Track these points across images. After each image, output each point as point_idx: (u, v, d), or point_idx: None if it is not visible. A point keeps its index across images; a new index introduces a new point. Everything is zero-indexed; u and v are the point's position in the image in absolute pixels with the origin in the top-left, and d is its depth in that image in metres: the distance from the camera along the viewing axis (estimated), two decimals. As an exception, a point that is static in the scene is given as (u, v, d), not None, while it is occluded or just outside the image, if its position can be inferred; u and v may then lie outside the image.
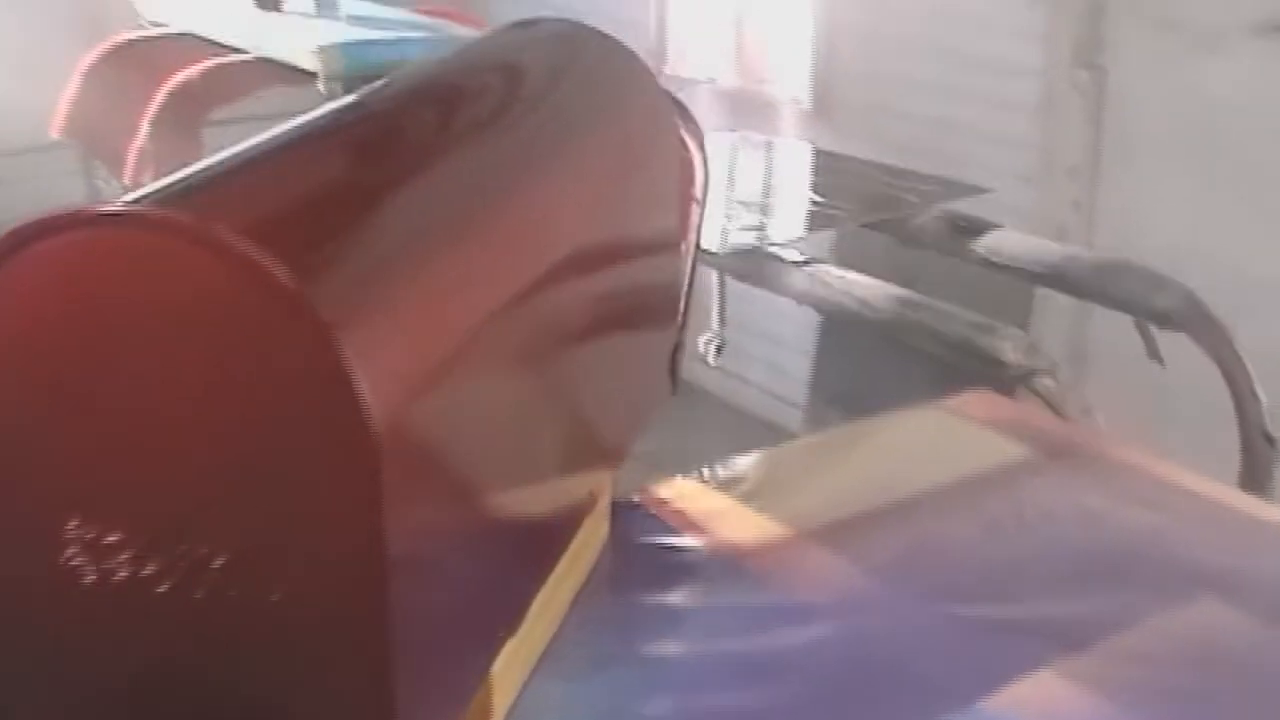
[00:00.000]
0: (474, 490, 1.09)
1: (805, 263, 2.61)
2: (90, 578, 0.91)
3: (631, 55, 1.57)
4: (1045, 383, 2.32)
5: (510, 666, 1.28)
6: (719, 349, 3.46)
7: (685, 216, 1.72)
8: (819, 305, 2.67)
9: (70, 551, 0.91)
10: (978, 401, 1.91)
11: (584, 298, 1.35)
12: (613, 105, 1.52)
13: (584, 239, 1.37)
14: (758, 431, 4.53)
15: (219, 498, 0.90)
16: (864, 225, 3.03)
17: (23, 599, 0.94)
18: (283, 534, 0.90)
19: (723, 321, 3.49)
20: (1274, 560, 1.55)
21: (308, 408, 0.87)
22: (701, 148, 1.77)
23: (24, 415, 0.91)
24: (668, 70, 4.91)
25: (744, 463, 1.76)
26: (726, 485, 1.69)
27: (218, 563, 0.91)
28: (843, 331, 3.86)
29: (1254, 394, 2.50)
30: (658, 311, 1.58)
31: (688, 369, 1.65)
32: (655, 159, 1.57)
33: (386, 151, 1.17)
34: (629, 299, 1.48)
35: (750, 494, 1.67)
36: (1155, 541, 1.58)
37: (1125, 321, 2.99)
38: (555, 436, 1.30)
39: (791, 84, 4.61)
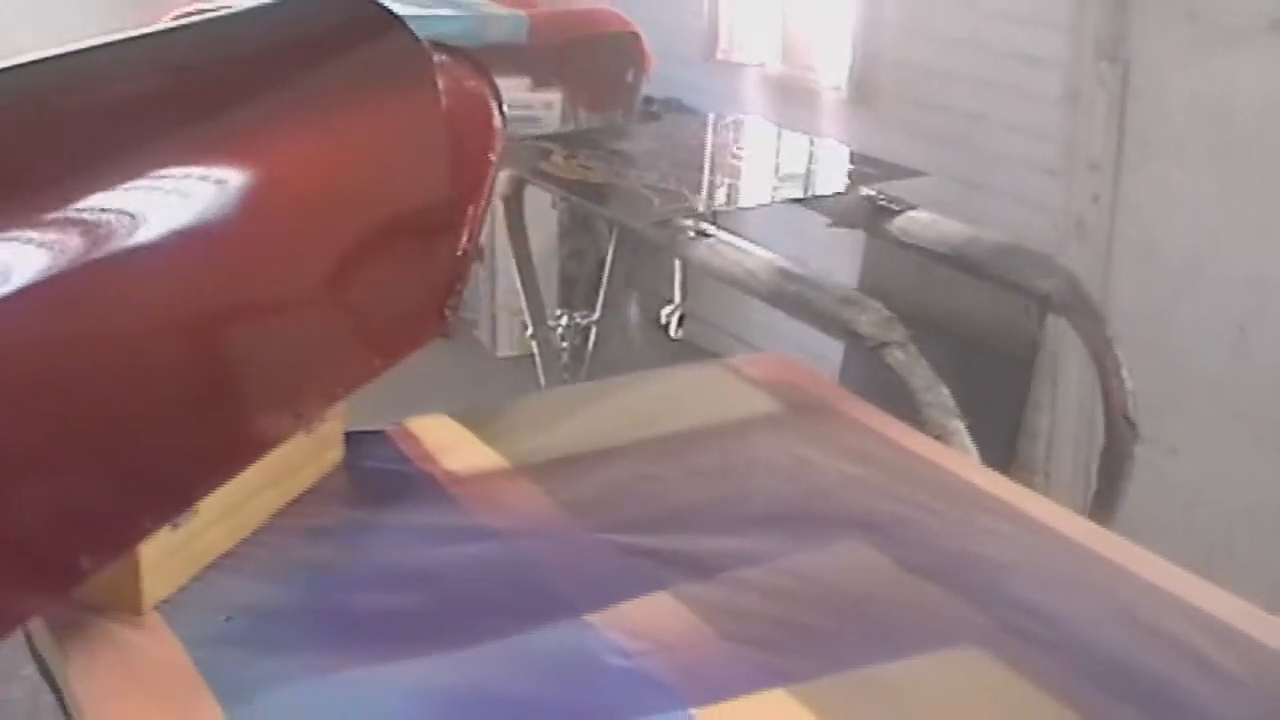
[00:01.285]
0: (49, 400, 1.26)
1: (704, 234, 2.73)
2: None
3: (389, 19, 1.73)
4: (895, 354, 2.41)
5: (171, 558, 1.46)
6: (680, 321, 3.60)
7: (466, 172, 1.88)
8: (716, 274, 2.78)
9: None
10: (765, 362, 2.03)
11: (269, 240, 1.53)
12: (343, 62, 1.68)
13: (285, 186, 1.54)
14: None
15: None
16: (794, 202, 3.13)
17: None
18: None
19: (684, 295, 3.63)
20: (947, 517, 1.64)
21: None
22: (496, 109, 1.92)
23: None
24: (719, 54, 5.01)
25: (508, 405, 1.90)
26: (477, 424, 1.84)
27: None
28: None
29: (1121, 378, 2.56)
30: (392, 261, 1.74)
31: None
32: (400, 116, 1.73)
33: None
34: (338, 246, 1.64)
35: (494, 433, 1.82)
36: (832, 490, 1.69)
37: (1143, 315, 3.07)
38: (208, 365, 1.48)
39: (833, 72, 4.69)
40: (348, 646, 1.40)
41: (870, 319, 2.45)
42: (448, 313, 1.88)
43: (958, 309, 3.55)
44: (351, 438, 1.76)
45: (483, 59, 4.09)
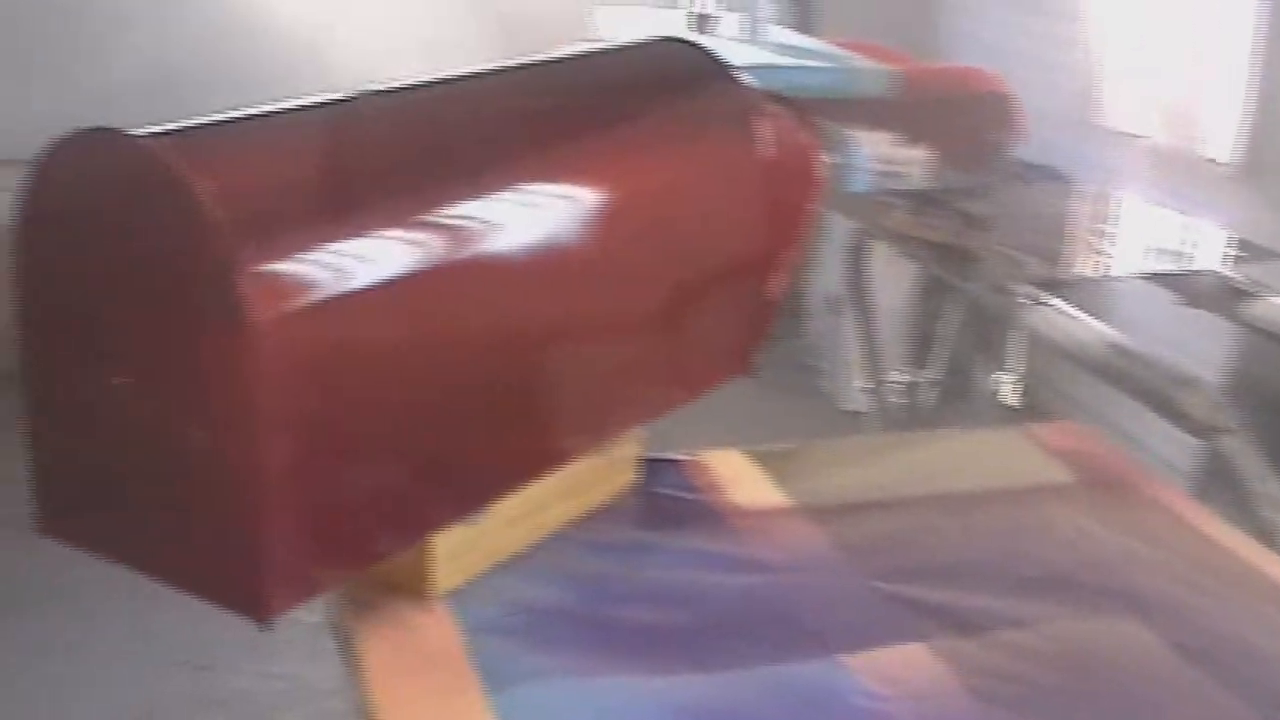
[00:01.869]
0: (377, 404, 1.41)
1: (1041, 302, 2.71)
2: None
3: (719, 68, 1.83)
4: (1225, 441, 2.34)
5: (464, 552, 1.60)
6: (1014, 388, 3.55)
7: (783, 219, 1.96)
8: (1048, 345, 2.76)
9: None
10: (1066, 432, 2.02)
11: (585, 275, 1.64)
12: (677, 104, 1.79)
13: (616, 217, 1.66)
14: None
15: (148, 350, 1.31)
16: (1147, 277, 3.07)
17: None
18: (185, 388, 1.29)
19: (1025, 361, 3.57)
20: (1229, 604, 1.60)
21: (201, 292, 1.25)
22: (819, 160, 2.00)
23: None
24: (1097, 120, 4.91)
25: (802, 446, 1.97)
26: (767, 461, 1.91)
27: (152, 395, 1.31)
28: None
29: None
30: (704, 299, 1.83)
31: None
32: (722, 160, 1.82)
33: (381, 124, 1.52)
34: (658, 278, 1.74)
35: (783, 472, 1.88)
36: (1112, 564, 1.67)
37: None
38: (524, 376, 1.60)
39: (1220, 143, 4.51)
40: (608, 654, 1.49)
41: (1201, 402, 2.38)
42: (753, 353, 1.95)
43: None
44: (647, 463, 1.86)
45: (851, 112, 4.18)
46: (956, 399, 3.87)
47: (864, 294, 3.69)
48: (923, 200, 3.54)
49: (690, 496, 1.82)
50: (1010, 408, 3.59)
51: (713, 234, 1.87)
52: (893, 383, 3.85)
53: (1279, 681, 1.47)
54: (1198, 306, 3.03)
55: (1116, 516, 1.79)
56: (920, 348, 4.22)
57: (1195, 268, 3.06)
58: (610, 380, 1.74)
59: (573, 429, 1.71)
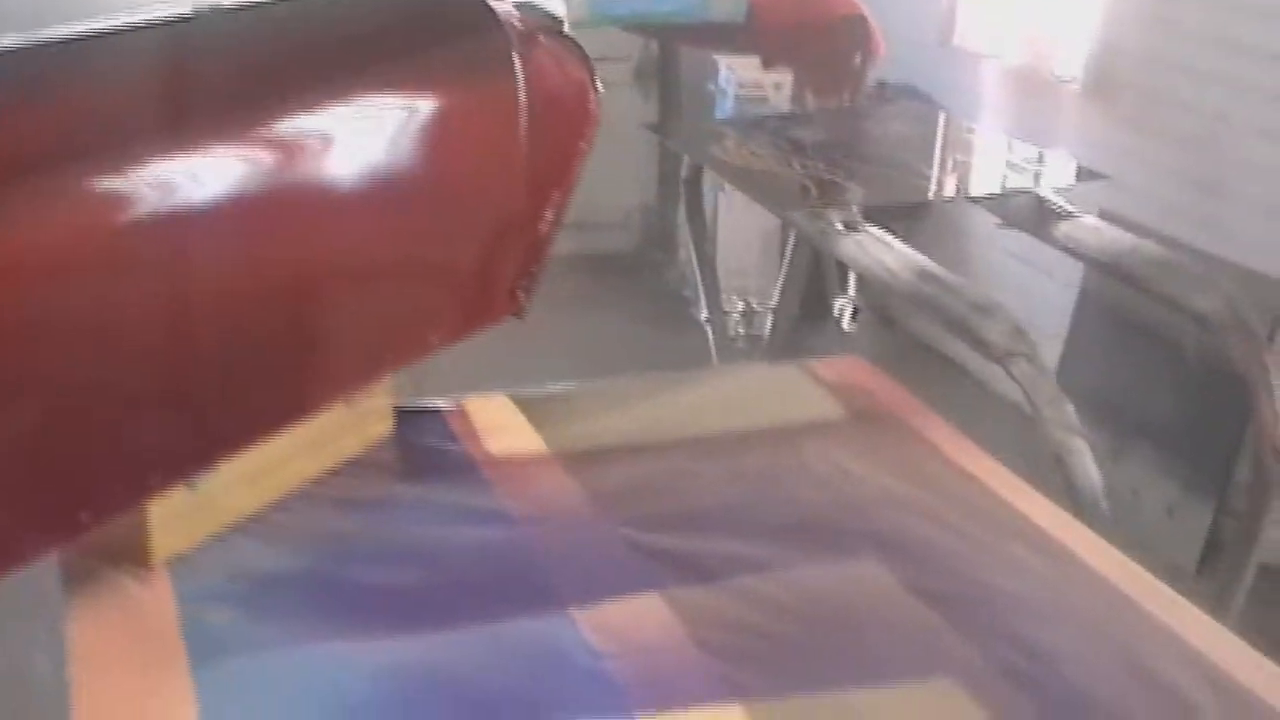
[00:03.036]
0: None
1: (853, 229, 2.68)
2: None
3: (485, 6, 1.76)
4: (1021, 366, 2.33)
5: (186, 516, 1.53)
6: (853, 315, 3.53)
7: (552, 155, 1.89)
8: (861, 271, 2.74)
9: None
10: (842, 366, 1.99)
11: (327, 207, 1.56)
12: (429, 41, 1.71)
13: (341, 159, 1.58)
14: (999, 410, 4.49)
15: None
16: (970, 200, 3.05)
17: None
18: None
19: (859, 288, 3.54)
20: (976, 543, 1.58)
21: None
22: (593, 95, 1.93)
23: None
24: (955, 40, 4.89)
25: (570, 390, 1.92)
26: (531, 406, 1.86)
27: None
28: (1096, 320, 3.85)
29: (1275, 409, 2.41)
30: (451, 239, 1.77)
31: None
32: (476, 104, 1.75)
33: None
34: (390, 216, 1.67)
35: (546, 417, 1.83)
36: (865, 505, 1.65)
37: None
38: (248, 320, 1.52)
39: (1070, 63, 4.51)
40: (333, 619, 1.44)
41: (999, 328, 2.37)
42: (521, 294, 1.89)
43: (1185, 328, 3.38)
44: (406, 414, 1.80)
45: (710, 37, 4.12)
46: (799, 327, 3.85)
47: (700, 225, 3.64)
48: (756, 128, 3.49)
49: (447, 446, 1.77)
50: (850, 334, 3.56)
51: (472, 175, 1.81)
52: (735, 312, 3.82)
53: (1013, 623, 1.45)
54: (1016, 227, 3.02)
55: (879, 454, 1.77)
56: (768, 276, 4.20)
57: (1016, 189, 3.05)
58: (354, 326, 1.68)
59: (313, 378, 1.65)
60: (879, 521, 1.63)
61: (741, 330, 3.77)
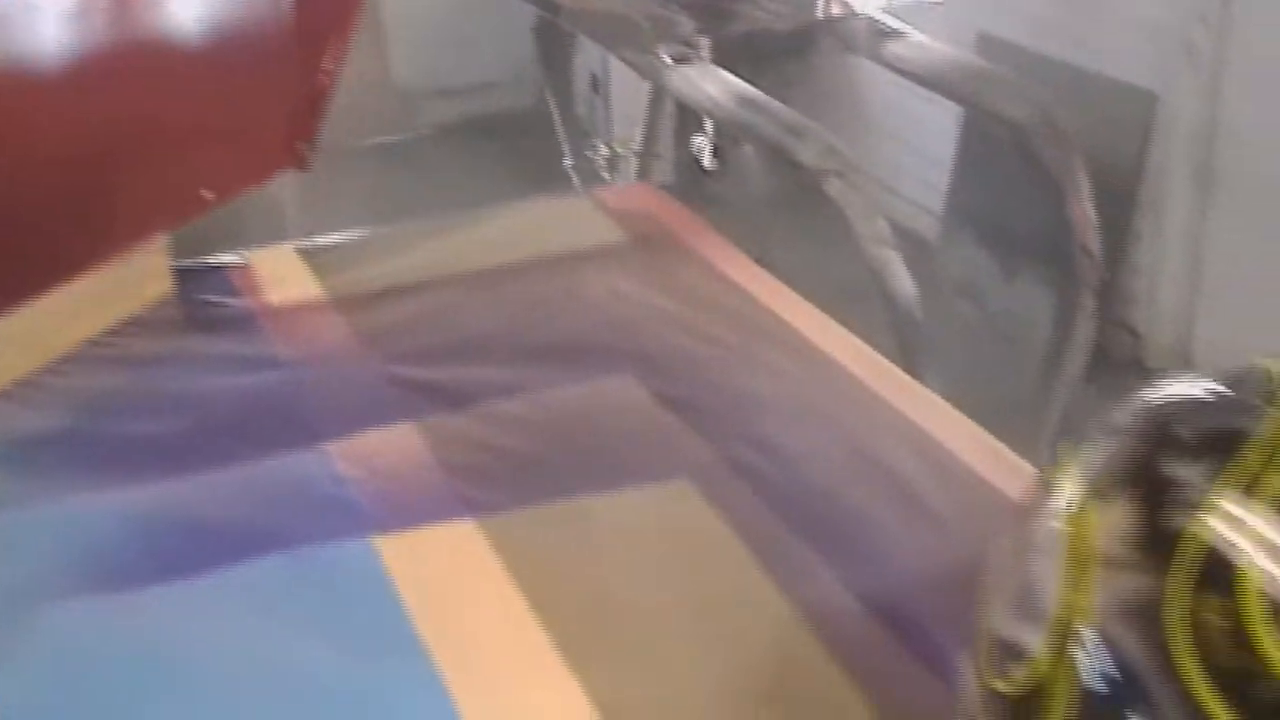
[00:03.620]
0: None
1: (683, 63, 2.69)
2: None
3: None
4: (834, 183, 2.36)
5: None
6: (713, 153, 3.53)
7: (325, 10, 1.88)
8: (691, 104, 2.75)
9: None
10: (630, 194, 2.01)
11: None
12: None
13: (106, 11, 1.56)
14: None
15: None
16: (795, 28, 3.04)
17: None
18: None
19: (716, 129, 3.54)
20: (734, 352, 1.62)
21: None
22: None
23: None
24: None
25: (356, 237, 1.94)
26: (314, 256, 1.88)
27: None
28: (981, 145, 3.86)
29: (1085, 210, 2.45)
30: (218, 89, 1.76)
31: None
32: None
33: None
34: (162, 85, 1.67)
35: (328, 265, 1.85)
36: (631, 323, 1.68)
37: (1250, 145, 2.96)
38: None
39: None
40: (97, 472, 1.47)
41: (812, 148, 2.39)
42: (302, 147, 1.90)
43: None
44: (188, 272, 1.82)
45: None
46: (659, 167, 3.85)
47: (554, 70, 3.62)
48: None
49: (227, 300, 1.79)
50: (708, 170, 3.57)
51: (237, 26, 1.80)
52: (600, 157, 3.82)
53: (756, 424, 1.49)
54: (851, 52, 3.03)
55: (653, 275, 1.80)
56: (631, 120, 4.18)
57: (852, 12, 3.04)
58: (121, 185, 1.68)
59: (81, 237, 1.66)
60: (641, 338, 1.66)
61: (607, 176, 3.76)
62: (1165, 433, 0.78)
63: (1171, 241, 3.36)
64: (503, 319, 1.72)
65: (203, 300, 1.79)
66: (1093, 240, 2.43)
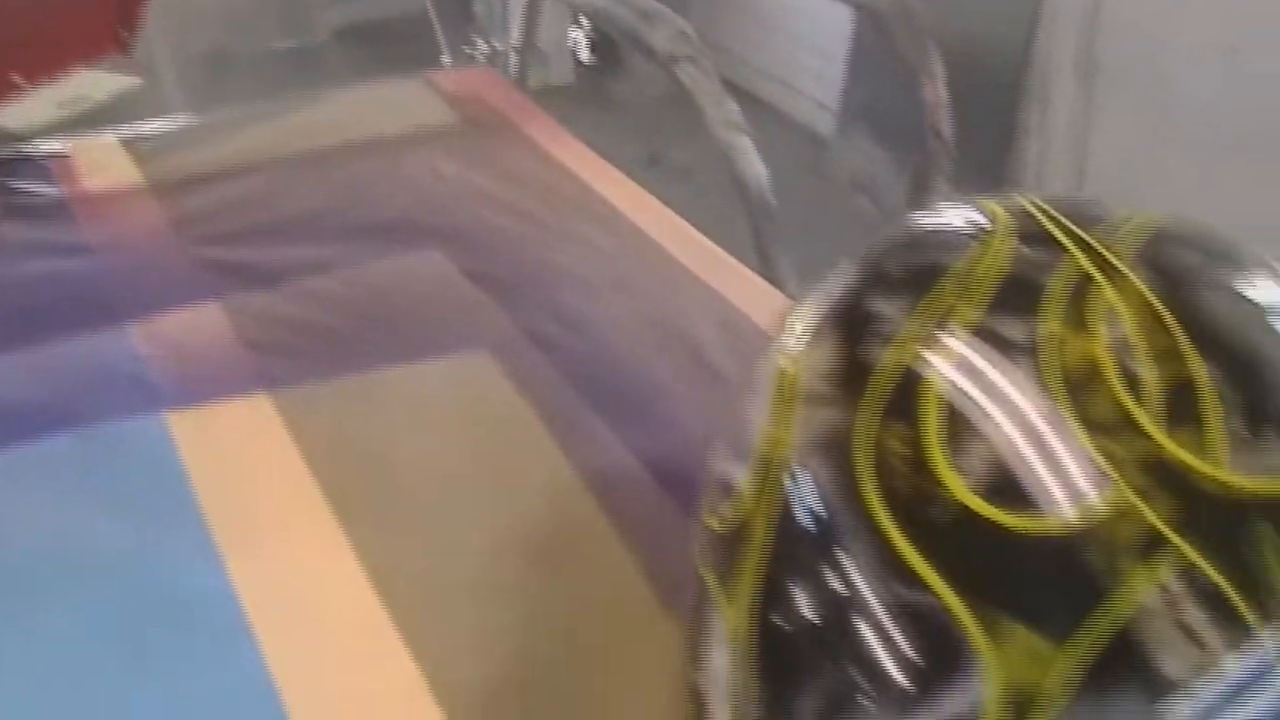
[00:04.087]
0: None
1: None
2: None
3: None
4: (686, 69, 2.34)
5: None
6: (591, 47, 3.52)
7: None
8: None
9: None
10: (465, 77, 1.99)
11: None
12: None
13: None
14: (791, 136, 4.51)
15: None
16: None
17: None
18: None
19: (591, 22, 3.52)
20: (549, 229, 1.61)
21: None
22: None
23: None
24: None
25: (184, 124, 1.91)
26: (137, 143, 1.85)
27: None
28: (874, 39, 3.84)
29: (937, 91, 2.45)
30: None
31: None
32: None
33: None
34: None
35: (150, 151, 1.82)
36: (449, 202, 1.67)
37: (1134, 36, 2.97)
38: None
39: None
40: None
41: (664, 33, 2.36)
42: (123, 33, 1.86)
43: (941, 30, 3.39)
44: (4, 161, 1.79)
45: None
46: (558, 67, 3.83)
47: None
48: None
49: (44, 190, 1.76)
50: (586, 64, 3.55)
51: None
52: (478, 53, 3.78)
53: (560, 297, 1.49)
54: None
55: (479, 156, 1.79)
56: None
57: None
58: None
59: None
60: (456, 217, 1.65)
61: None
62: (875, 270, 0.78)
63: (1057, 132, 3.38)
64: (320, 201, 1.71)
65: (18, 189, 1.76)
66: (945, 123, 2.43)
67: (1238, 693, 0.59)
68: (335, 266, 1.55)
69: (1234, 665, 0.58)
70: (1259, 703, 0.60)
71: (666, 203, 1.69)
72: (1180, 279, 0.67)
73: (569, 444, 1.27)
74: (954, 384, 0.67)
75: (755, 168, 2.31)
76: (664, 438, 1.28)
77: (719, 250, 1.58)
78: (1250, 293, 0.67)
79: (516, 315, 1.45)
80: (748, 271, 1.54)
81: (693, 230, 1.62)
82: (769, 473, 0.75)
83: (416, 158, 1.78)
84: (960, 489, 0.63)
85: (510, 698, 1.03)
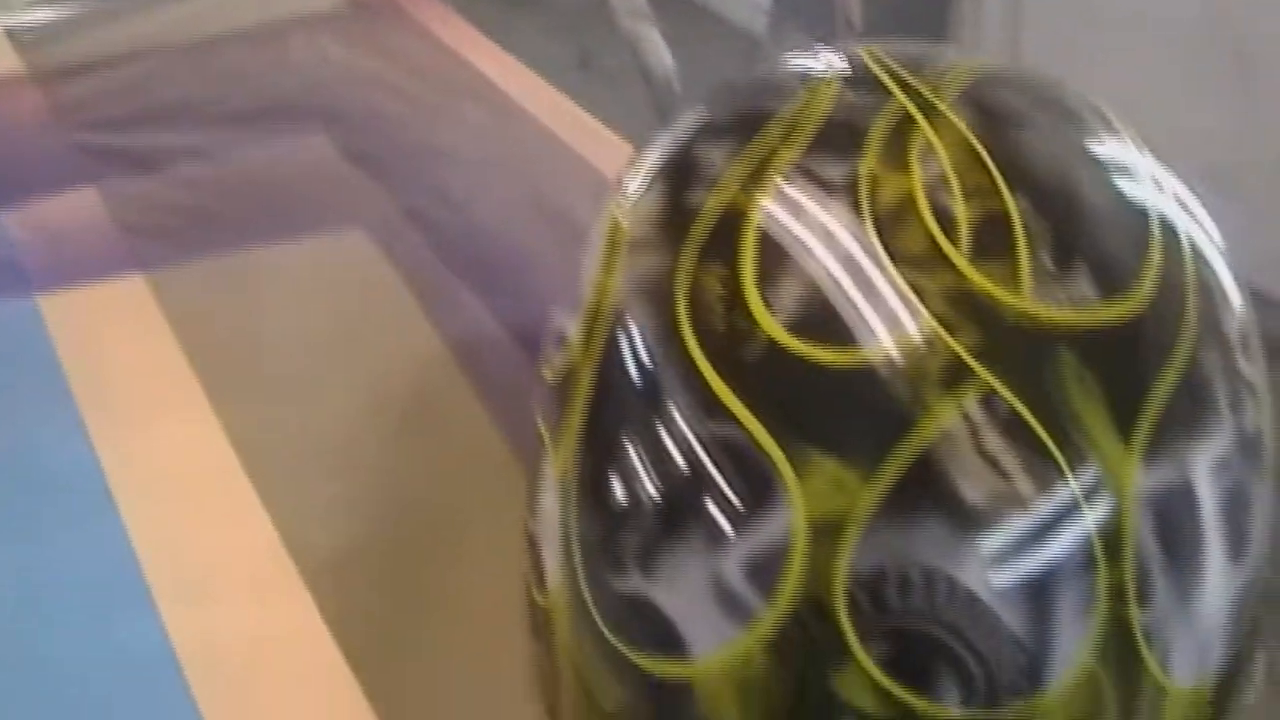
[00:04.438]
0: None
1: None
2: None
3: None
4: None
5: None
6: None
7: None
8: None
9: None
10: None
11: None
12: None
13: None
14: (728, 38, 4.48)
15: None
16: None
17: None
18: None
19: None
20: (433, 111, 1.61)
21: None
22: None
23: None
24: None
25: (71, 12, 1.88)
26: (21, 33, 1.82)
27: None
28: None
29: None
30: None
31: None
32: None
33: None
34: None
35: (36, 41, 1.80)
36: (335, 85, 1.66)
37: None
38: None
39: None
40: None
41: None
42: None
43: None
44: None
45: None
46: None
47: None
48: None
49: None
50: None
51: None
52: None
53: (438, 175, 1.49)
54: None
55: (367, 40, 1.77)
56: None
57: None
58: None
59: None
60: (339, 100, 1.64)
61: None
62: (705, 119, 0.79)
63: (990, 21, 3.37)
64: (204, 87, 1.69)
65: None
66: (855, 11, 2.43)
67: (1043, 530, 0.60)
68: (216, 151, 1.54)
69: (1038, 499, 0.59)
70: (1064, 540, 0.60)
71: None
72: (1002, 118, 0.67)
73: (438, 315, 1.28)
74: (770, 223, 0.67)
75: (661, 58, 2.31)
76: (533, 306, 1.28)
77: (602, 127, 1.58)
78: (1071, 133, 0.68)
79: (395, 194, 1.45)
80: (629, 146, 1.53)
81: (577, 109, 1.62)
82: (596, 320, 0.76)
83: (304, 42, 1.77)
84: (770, 324, 0.63)
85: (369, 558, 1.04)
